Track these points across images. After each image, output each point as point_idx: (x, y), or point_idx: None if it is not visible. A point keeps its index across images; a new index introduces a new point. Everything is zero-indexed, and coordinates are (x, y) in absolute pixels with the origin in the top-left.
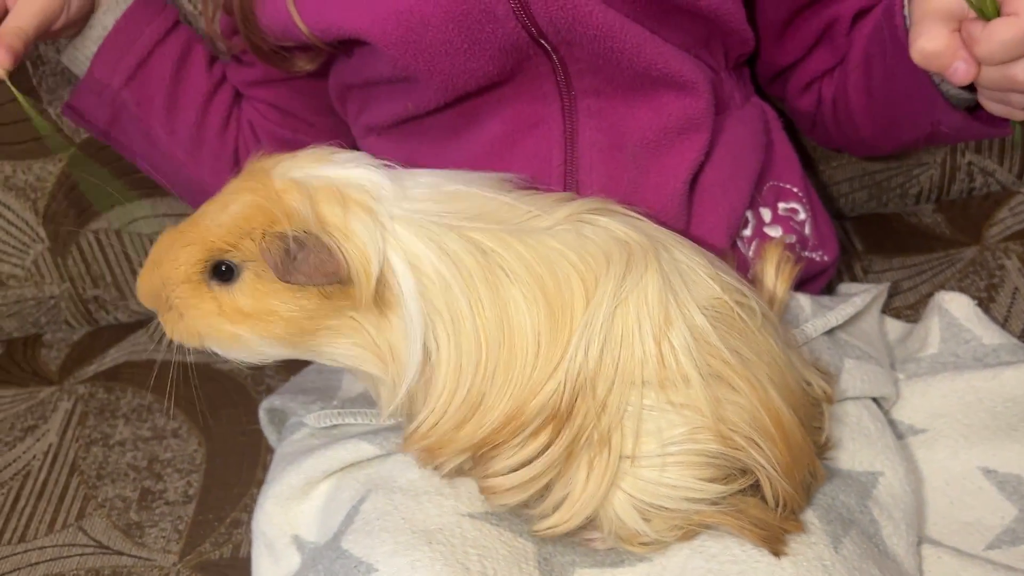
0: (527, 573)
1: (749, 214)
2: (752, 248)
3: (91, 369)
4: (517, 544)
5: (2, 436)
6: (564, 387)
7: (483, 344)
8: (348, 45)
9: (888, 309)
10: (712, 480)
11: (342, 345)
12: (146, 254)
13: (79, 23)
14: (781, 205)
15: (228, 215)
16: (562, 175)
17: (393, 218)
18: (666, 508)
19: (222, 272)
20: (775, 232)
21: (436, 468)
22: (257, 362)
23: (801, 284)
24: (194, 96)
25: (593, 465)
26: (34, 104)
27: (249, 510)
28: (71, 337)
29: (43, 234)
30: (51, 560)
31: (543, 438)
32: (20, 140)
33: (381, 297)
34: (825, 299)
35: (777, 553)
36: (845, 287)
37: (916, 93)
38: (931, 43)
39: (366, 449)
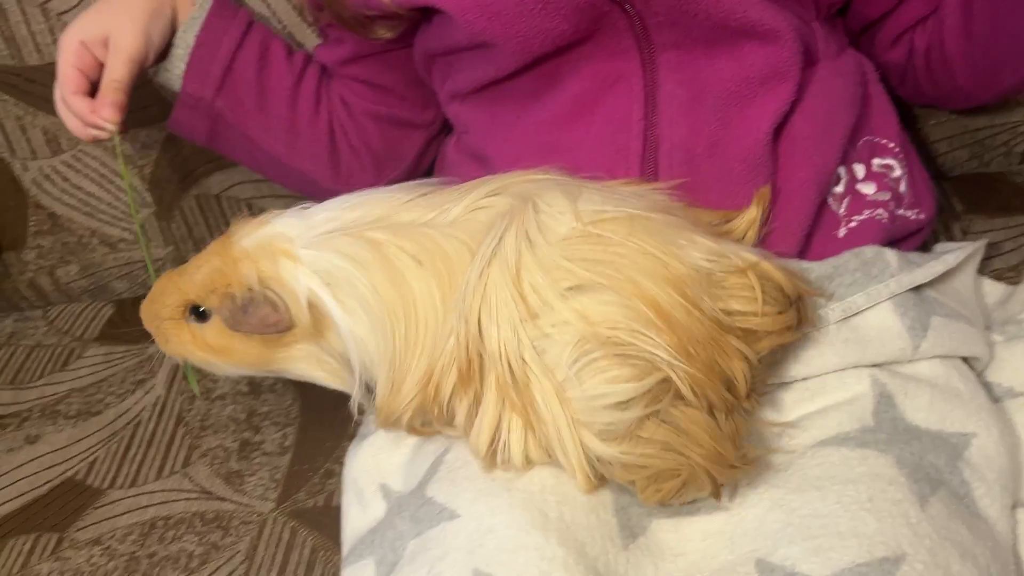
0: (604, 520)
1: (842, 170)
2: (844, 205)
3: None
4: (595, 492)
5: (115, 388)
6: (459, 344)
7: (391, 318)
8: (428, 12)
9: (988, 271)
10: (628, 380)
11: (298, 368)
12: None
13: (168, 49)
14: (876, 161)
15: (201, 274)
16: (642, 131)
17: (304, 247)
18: (606, 422)
19: (199, 312)
20: (868, 189)
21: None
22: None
23: (895, 243)
24: (280, 91)
25: (540, 406)
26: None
27: (341, 461)
28: None
29: (149, 199)
30: (160, 504)
31: (470, 394)
32: (128, 110)
33: (317, 322)
34: (915, 256)
35: (716, 495)
36: (941, 246)
37: None
38: None
39: None
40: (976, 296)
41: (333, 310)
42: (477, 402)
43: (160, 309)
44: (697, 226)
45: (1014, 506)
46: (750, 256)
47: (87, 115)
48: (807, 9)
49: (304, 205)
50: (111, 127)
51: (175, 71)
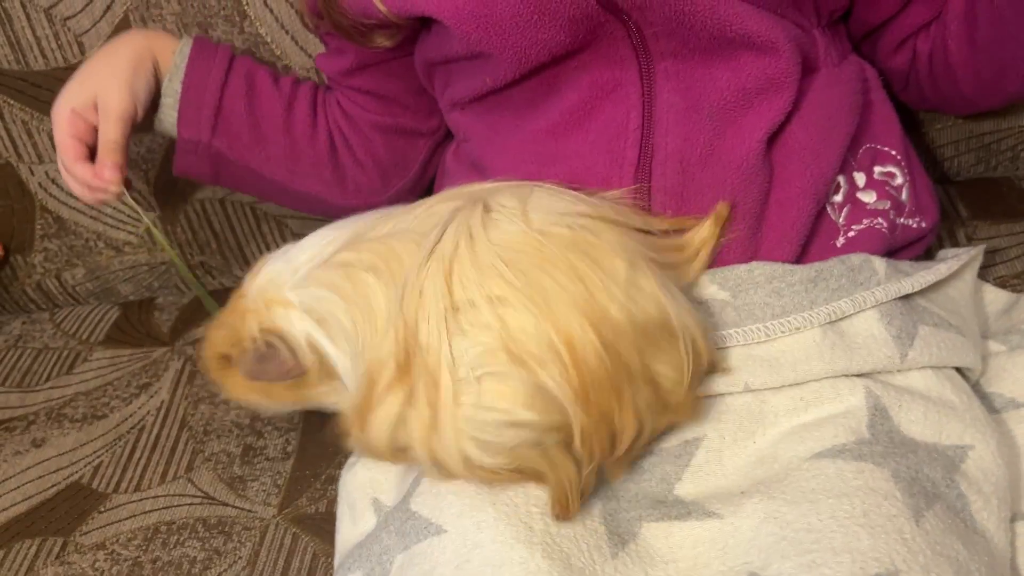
0: (592, 529)
1: (841, 178)
2: (843, 214)
3: (199, 331)
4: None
5: (120, 392)
6: (397, 338)
7: (363, 339)
8: (426, 21)
9: (992, 278)
10: (525, 407)
11: (330, 401)
12: (247, 223)
13: (156, 101)
14: (877, 169)
15: (223, 329)
16: (638, 139)
17: (291, 290)
18: (487, 437)
19: None
20: (868, 197)
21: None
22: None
23: (896, 252)
24: (273, 119)
25: (440, 400)
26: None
27: (343, 468)
28: (181, 301)
29: (154, 203)
30: (163, 508)
31: (406, 390)
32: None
33: (323, 363)
34: (905, 264)
35: (558, 517)
36: (944, 253)
37: None
38: None
39: None
40: (976, 304)
41: (328, 349)
42: (409, 398)
43: (208, 361)
44: (650, 245)
45: (1012, 518)
46: (690, 321)
47: (91, 180)
48: (807, 17)
49: (287, 246)
50: (114, 188)
51: (168, 120)
